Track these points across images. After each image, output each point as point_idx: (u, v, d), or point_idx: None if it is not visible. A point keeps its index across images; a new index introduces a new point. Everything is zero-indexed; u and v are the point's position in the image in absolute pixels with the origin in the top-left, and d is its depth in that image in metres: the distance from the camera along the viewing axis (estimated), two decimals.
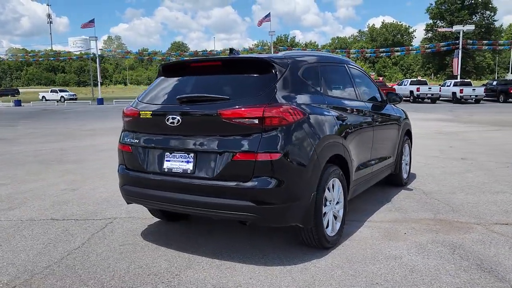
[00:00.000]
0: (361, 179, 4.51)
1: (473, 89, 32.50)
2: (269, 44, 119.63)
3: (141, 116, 3.69)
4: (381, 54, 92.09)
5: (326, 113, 3.72)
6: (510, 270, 3.26)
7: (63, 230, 4.43)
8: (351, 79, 4.73)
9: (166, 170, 3.54)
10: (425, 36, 63.51)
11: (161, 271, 3.37)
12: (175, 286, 3.12)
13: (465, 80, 37.07)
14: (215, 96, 3.41)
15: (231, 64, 3.70)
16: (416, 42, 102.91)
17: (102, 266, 3.50)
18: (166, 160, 3.56)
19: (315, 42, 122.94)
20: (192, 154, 3.43)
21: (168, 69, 4.06)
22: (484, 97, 32.61)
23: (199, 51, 63.45)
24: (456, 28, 43.51)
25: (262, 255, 3.63)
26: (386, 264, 3.40)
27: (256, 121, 3.18)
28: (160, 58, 65.65)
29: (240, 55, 3.92)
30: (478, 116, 20.18)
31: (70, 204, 5.45)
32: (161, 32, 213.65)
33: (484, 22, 58.92)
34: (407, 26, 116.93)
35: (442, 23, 63.09)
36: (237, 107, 3.24)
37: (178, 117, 3.42)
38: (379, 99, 5.41)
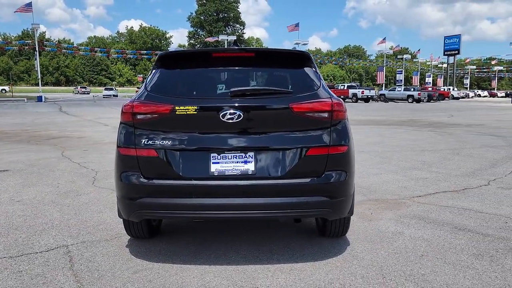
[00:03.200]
0: None
1: None
2: (12, 37, 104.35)
3: (177, 113, 3.07)
4: (143, 56, 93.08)
5: None
6: (477, 226, 4.21)
7: (15, 272, 3.22)
8: None
9: (216, 174, 3.08)
10: (189, 43, 67.76)
11: None
12: None
13: None
14: (281, 89, 3.18)
15: (266, 56, 3.47)
16: (174, 47, 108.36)
17: None
18: (214, 163, 3.09)
19: (69, 39, 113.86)
20: (251, 153, 3.11)
21: (177, 59, 3.46)
22: None
23: None
24: (222, 37, 48.23)
25: (299, 253, 3.57)
26: (402, 239, 3.88)
27: (326, 114, 3.16)
28: None
29: (273, 48, 3.69)
30: None
31: None
32: None
33: (235, 34, 67.02)
34: (164, 32, 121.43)
35: (202, 31, 68.45)
36: (308, 101, 3.14)
37: (239, 112, 3.04)
38: None
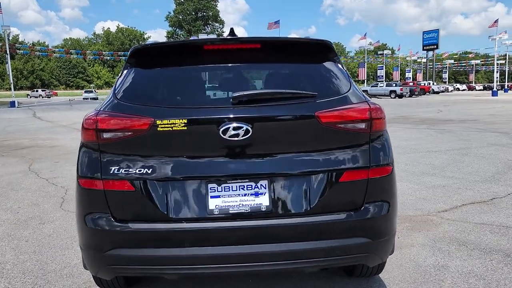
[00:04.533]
0: None
1: None
2: None
3: (159, 129, 2.19)
4: (120, 58, 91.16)
5: None
6: None
7: None
8: None
9: (216, 213, 2.21)
10: None
11: None
12: None
13: None
14: (302, 92, 2.32)
15: (276, 48, 2.59)
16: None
17: None
18: (213, 197, 2.23)
19: (44, 42, 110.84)
20: (263, 182, 2.25)
21: (157, 54, 2.56)
22: None
23: None
24: (201, 36, 47.16)
25: None
26: (450, 278, 3.08)
27: (363, 125, 2.32)
28: None
29: (284, 37, 2.79)
30: None
31: None
32: None
33: (215, 33, 65.92)
34: (141, 32, 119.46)
35: (181, 31, 67.15)
36: (339, 107, 2.30)
37: (246, 126, 2.17)
38: None
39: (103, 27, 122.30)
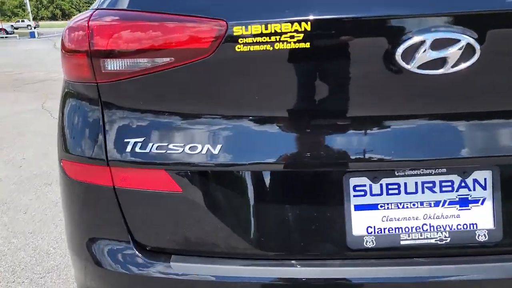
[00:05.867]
0: None
1: None
2: None
3: (238, 48, 0.88)
4: None
5: None
6: None
7: None
8: None
9: (369, 244, 0.97)
10: None
11: None
12: None
13: None
14: None
15: None
16: None
17: None
18: (359, 207, 0.97)
19: None
20: (482, 175, 0.97)
21: None
22: None
23: None
24: None
25: None
26: None
27: None
28: None
29: None
30: None
31: None
32: None
33: None
34: None
35: None
36: None
37: (465, 39, 0.84)
38: None
39: None
